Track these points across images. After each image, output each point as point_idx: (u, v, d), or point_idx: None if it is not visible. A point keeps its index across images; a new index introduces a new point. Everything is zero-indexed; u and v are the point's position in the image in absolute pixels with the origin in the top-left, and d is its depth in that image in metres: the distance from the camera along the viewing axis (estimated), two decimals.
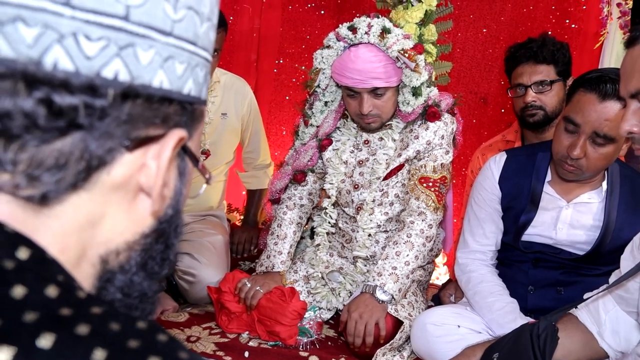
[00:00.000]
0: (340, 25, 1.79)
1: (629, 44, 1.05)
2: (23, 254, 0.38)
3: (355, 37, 1.75)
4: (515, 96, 2.09)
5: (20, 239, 0.39)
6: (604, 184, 1.65)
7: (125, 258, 0.47)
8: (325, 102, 1.95)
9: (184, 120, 0.47)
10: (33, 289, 0.37)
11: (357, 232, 1.94)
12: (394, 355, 1.72)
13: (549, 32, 2.31)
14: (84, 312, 0.38)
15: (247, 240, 2.48)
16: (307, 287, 1.96)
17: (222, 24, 2.08)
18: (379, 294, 1.73)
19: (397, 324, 1.75)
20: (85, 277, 0.44)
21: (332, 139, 1.98)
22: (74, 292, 0.39)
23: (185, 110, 0.47)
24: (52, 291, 0.38)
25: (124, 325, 0.39)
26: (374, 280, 1.75)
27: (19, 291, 0.36)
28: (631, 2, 2.53)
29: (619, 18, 2.55)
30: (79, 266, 0.43)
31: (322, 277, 1.98)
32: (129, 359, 0.37)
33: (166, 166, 0.46)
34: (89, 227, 0.43)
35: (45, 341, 0.35)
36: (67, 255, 0.42)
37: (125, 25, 0.40)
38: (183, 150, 0.49)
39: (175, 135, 0.46)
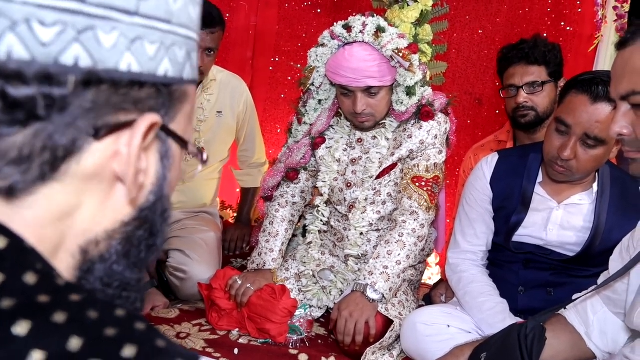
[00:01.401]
0: (335, 24, 1.79)
1: (620, 46, 1.05)
2: (0, 243, 0.38)
3: (349, 35, 1.75)
4: (507, 97, 2.10)
5: None
6: (595, 186, 1.66)
7: (105, 247, 0.46)
8: (319, 100, 1.95)
9: (160, 103, 0.45)
10: (11, 275, 0.37)
11: (349, 230, 1.94)
12: (384, 354, 1.72)
13: (544, 34, 2.32)
14: (62, 299, 0.38)
15: (239, 237, 2.47)
16: (298, 285, 1.96)
17: (220, 23, 2.08)
18: (370, 293, 1.73)
19: (388, 323, 1.75)
20: (65, 268, 0.43)
21: (326, 137, 1.98)
22: (53, 280, 0.39)
23: (160, 93, 0.45)
24: (30, 278, 0.38)
25: (102, 313, 0.38)
26: (365, 279, 1.75)
27: None
28: (628, 5, 2.54)
29: (615, 21, 2.56)
30: (57, 257, 0.43)
31: (314, 275, 1.98)
32: (105, 348, 0.36)
33: (137, 153, 0.44)
34: (65, 217, 0.43)
35: (20, 328, 0.34)
36: (44, 246, 0.41)
37: (82, 7, 0.38)
38: (165, 133, 0.47)
39: (146, 120, 0.44)
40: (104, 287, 0.47)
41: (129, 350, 0.37)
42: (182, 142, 0.49)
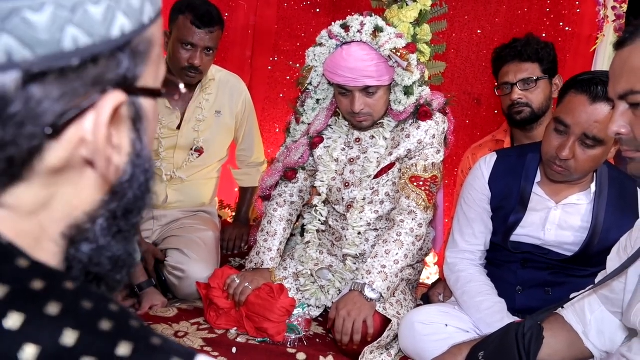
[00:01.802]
0: (333, 23, 1.79)
1: (618, 46, 1.05)
2: None
3: (347, 35, 1.75)
4: (502, 94, 2.12)
5: None
6: (593, 186, 1.66)
7: (89, 228, 0.43)
8: (317, 100, 1.95)
9: (124, 67, 0.39)
10: (2, 260, 0.35)
11: (347, 230, 1.94)
12: (382, 354, 1.73)
13: (543, 35, 2.33)
14: (57, 286, 0.36)
15: (237, 237, 2.47)
16: (296, 285, 1.96)
17: (219, 22, 2.08)
18: (368, 292, 1.73)
19: (385, 322, 1.75)
20: (51, 256, 0.42)
21: (324, 136, 1.98)
22: (44, 265, 0.37)
23: (119, 61, 0.38)
24: (22, 262, 0.36)
25: (96, 305, 0.37)
26: (363, 278, 1.75)
27: None
28: (626, 6, 2.54)
29: (613, 21, 2.56)
30: (39, 247, 0.41)
31: (312, 275, 1.98)
32: (100, 343, 0.35)
33: (105, 140, 0.39)
34: (40, 209, 0.40)
35: (12, 321, 0.33)
36: (24, 240, 0.39)
37: None
38: (134, 95, 0.41)
39: (110, 102, 0.38)
40: (95, 266, 0.44)
41: (124, 348, 0.35)
42: (155, 92, 0.44)
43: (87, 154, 0.39)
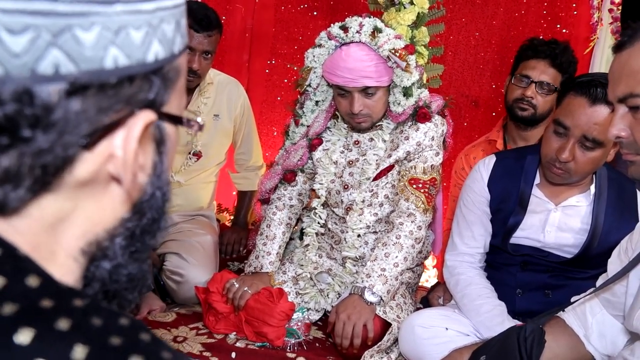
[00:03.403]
0: (332, 25, 1.79)
1: (617, 49, 1.05)
2: None
3: (346, 36, 1.75)
4: (516, 84, 2.10)
5: None
6: (592, 188, 1.66)
7: (108, 245, 0.44)
8: (316, 102, 1.95)
9: (153, 92, 0.41)
10: (13, 279, 0.36)
11: (347, 232, 1.93)
12: (382, 357, 1.72)
13: (540, 37, 2.33)
14: (66, 304, 0.36)
15: (236, 241, 2.46)
16: (295, 288, 1.96)
17: (217, 26, 2.07)
18: (368, 296, 1.72)
19: (385, 325, 1.74)
20: (67, 272, 0.42)
21: (323, 138, 1.97)
22: (55, 283, 0.38)
23: (152, 83, 0.41)
24: (33, 281, 0.36)
25: (106, 321, 0.37)
26: (362, 281, 1.75)
27: None
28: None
29: (610, 24, 2.57)
30: (55, 262, 0.41)
31: (311, 278, 1.98)
32: (110, 357, 0.35)
33: (134, 156, 0.41)
34: (60, 223, 0.41)
35: (23, 337, 0.33)
36: (39, 253, 0.40)
37: (55, 6, 0.34)
38: (159, 118, 0.44)
39: (141, 120, 0.41)
40: (112, 283, 0.46)
41: None
42: (178, 120, 0.46)
43: (114, 170, 0.41)
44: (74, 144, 0.37)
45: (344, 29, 1.75)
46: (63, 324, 0.35)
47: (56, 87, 0.35)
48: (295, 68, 2.07)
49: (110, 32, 0.37)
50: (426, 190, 1.83)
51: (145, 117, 0.41)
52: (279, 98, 3.07)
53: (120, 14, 0.37)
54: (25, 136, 0.35)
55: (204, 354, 1.69)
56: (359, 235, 1.92)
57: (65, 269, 0.42)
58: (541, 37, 2.57)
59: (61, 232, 0.41)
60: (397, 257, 1.77)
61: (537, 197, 1.70)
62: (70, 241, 0.42)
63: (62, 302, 0.36)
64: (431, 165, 1.84)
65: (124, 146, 0.40)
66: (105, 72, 0.37)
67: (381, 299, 1.74)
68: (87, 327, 0.36)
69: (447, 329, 1.66)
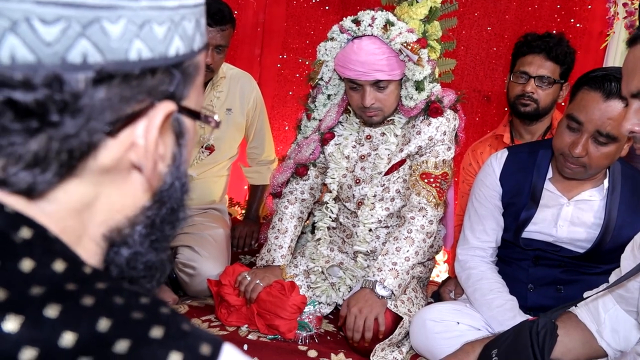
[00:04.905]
0: (344, 18, 1.79)
1: (631, 43, 1.04)
2: (26, 233, 0.38)
3: (358, 29, 1.75)
4: (515, 82, 2.12)
5: (22, 219, 0.39)
6: (606, 182, 1.65)
7: (128, 233, 0.46)
8: (328, 95, 1.95)
9: (174, 85, 0.44)
10: (40, 263, 0.38)
11: (358, 227, 1.94)
12: (393, 351, 1.72)
13: (554, 31, 2.32)
14: (89, 287, 0.38)
15: (248, 234, 2.48)
16: (307, 282, 1.97)
17: (230, 20, 2.08)
18: (379, 290, 1.73)
19: (397, 319, 1.75)
20: (91, 255, 0.44)
21: (335, 133, 1.98)
22: (80, 268, 0.40)
23: (172, 76, 0.43)
24: (59, 266, 0.38)
25: (127, 299, 0.39)
26: (374, 275, 1.75)
27: (27, 264, 0.37)
28: (637, 2, 2.52)
29: (624, 18, 2.55)
30: (81, 245, 0.43)
31: (322, 272, 1.99)
32: (133, 328, 0.37)
33: (155, 145, 0.43)
34: (85, 208, 0.43)
35: (51, 311, 0.35)
36: (67, 236, 0.42)
37: None
38: (179, 111, 0.46)
39: (162, 110, 0.43)
40: (130, 270, 0.48)
41: (156, 331, 0.38)
42: (196, 115, 0.48)
43: (135, 158, 0.43)
44: (98, 131, 0.39)
45: (356, 22, 1.75)
46: (87, 301, 0.37)
47: (84, 75, 0.37)
48: (307, 62, 2.07)
49: (135, 25, 0.39)
50: (437, 184, 1.83)
51: (166, 107, 0.43)
52: (290, 93, 3.08)
53: (145, 9, 0.40)
54: (54, 120, 0.37)
55: None
56: (370, 230, 1.93)
57: (89, 251, 0.44)
58: (554, 31, 2.56)
59: (86, 217, 0.43)
60: (408, 251, 1.78)
61: (550, 191, 1.69)
62: (94, 227, 0.44)
63: (85, 286, 0.38)
64: (443, 160, 1.84)
65: (145, 135, 0.42)
66: (130, 63, 0.39)
67: (392, 292, 1.74)
68: (110, 304, 0.38)
69: (458, 323, 1.66)
